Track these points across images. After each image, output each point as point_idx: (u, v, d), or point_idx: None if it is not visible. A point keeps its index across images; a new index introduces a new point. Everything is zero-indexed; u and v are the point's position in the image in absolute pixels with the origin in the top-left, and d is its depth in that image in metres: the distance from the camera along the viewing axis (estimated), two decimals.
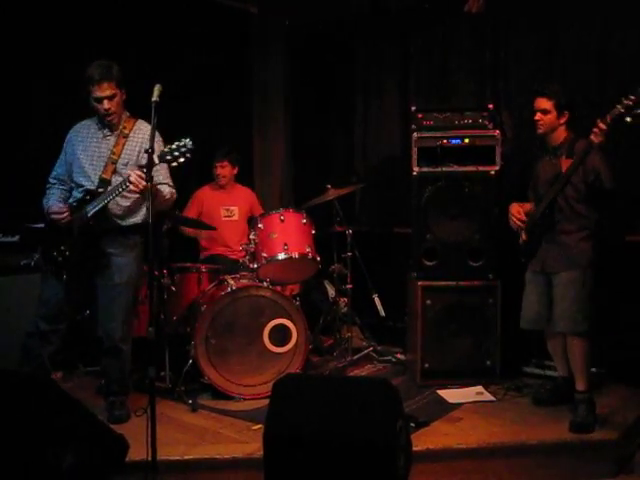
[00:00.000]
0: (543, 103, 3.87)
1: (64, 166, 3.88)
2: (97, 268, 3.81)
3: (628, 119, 3.44)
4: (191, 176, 4.99)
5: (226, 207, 5.19)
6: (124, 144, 3.79)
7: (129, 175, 3.54)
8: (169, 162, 3.38)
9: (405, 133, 5.15)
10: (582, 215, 3.85)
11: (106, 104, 3.71)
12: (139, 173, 3.50)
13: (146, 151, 3.13)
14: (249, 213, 5.25)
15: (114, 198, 3.68)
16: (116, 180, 3.70)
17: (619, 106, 3.45)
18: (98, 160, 3.78)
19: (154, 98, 3.35)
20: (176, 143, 3.34)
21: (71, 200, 3.83)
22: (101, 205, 3.68)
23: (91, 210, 3.70)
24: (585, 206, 3.84)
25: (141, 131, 3.83)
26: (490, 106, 4.49)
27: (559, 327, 3.89)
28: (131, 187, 3.54)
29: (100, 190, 3.72)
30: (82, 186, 3.78)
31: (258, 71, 6.18)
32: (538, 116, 3.89)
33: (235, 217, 5.22)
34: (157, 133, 3.69)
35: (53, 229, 3.78)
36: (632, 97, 3.42)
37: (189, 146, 3.32)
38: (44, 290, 3.81)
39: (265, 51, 6.16)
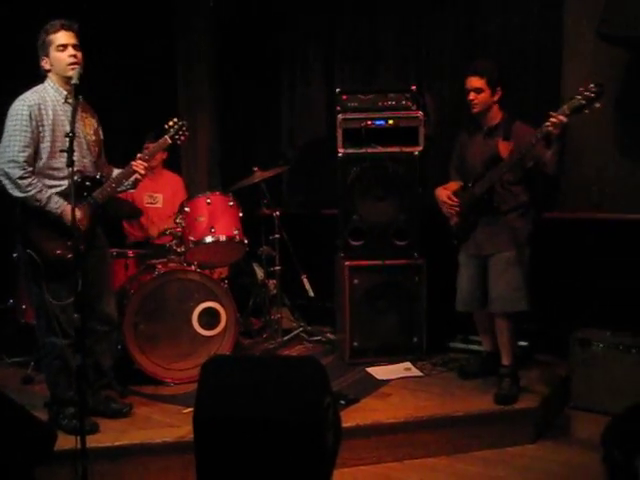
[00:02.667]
0: (475, 82, 3.84)
1: (31, 147, 3.36)
2: (99, 256, 3.65)
3: (587, 111, 3.38)
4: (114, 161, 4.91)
5: (149, 194, 5.10)
6: (85, 118, 3.59)
7: (135, 164, 3.58)
8: (175, 140, 3.70)
9: (330, 115, 5.17)
10: (517, 194, 3.88)
11: (72, 50, 3.40)
12: (142, 162, 3.61)
13: (67, 135, 3.00)
14: (174, 201, 5.16)
15: (123, 184, 3.64)
16: (90, 160, 3.57)
17: (579, 97, 3.37)
18: (77, 138, 3.29)
19: (74, 81, 3.29)
20: (175, 121, 3.71)
21: (61, 189, 3.42)
22: (109, 192, 3.56)
23: (102, 199, 3.53)
24: (520, 187, 3.88)
25: (89, 107, 3.67)
26: (413, 87, 4.54)
27: (497, 308, 3.92)
28: (137, 176, 3.63)
29: (97, 176, 3.57)
30: (58, 169, 3.41)
31: (182, 51, 6.10)
32: (472, 95, 3.86)
33: (159, 204, 5.14)
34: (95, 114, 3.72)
35: (50, 227, 3.40)
36: (593, 89, 3.34)
37: (186, 125, 3.74)
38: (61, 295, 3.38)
39: (189, 29, 6.07)
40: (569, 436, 3.91)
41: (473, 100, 3.87)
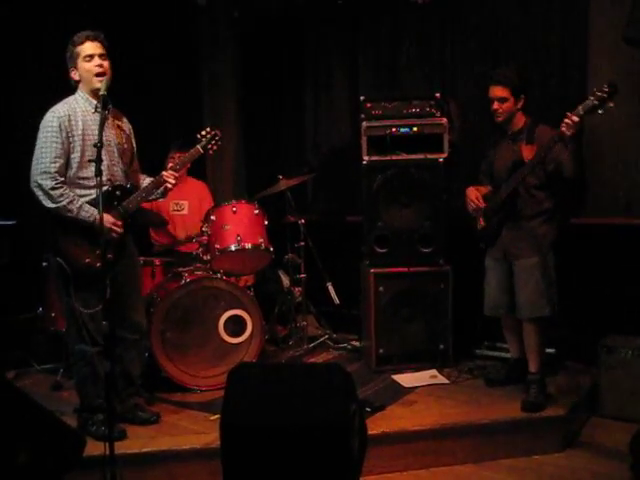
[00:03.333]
0: (499, 91, 3.83)
1: (63, 158, 3.43)
2: (128, 265, 3.69)
3: (600, 111, 3.39)
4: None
5: (175, 201, 5.12)
6: (117, 127, 3.64)
7: (166, 174, 3.63)
8: (207, 150, 3.72)
9: (355, 122, 5.19)
10: (541, 200, 3.87)
11: (98, 60, 3.45)
12: (173, 172, 3.65)
13: (95, 145, 3.02)
14: (200, 207, 5.21)
15: (153, 194, 3.69)
16: (121, 169, 3.60)
17: (592, 98, 3.39)
18: (107, 147, 3.50)
19: (102, 92, 3.34)
20: (208, 131, 3.72)
21: (91, 198, 3.45)
22: (139, 201, 3.60)
23: (132, 208, 3.56)
24: (544, 192, 3.87)
25: (121, 116, 3.72)
26: (437, 95, 4.54)
27: (523, 314, 3.91)
28: (168, 185, 3.67)
29: (127, 185, 3.60)
30: (88, 178, 3.44)
31: (208, 62, 6.14)
32: (496, 105, 3.85)
33: (184, 211, 5.17)
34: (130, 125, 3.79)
35: (80, 236, 3.44)
36: (605, 89, 3.35)
37: (219, 135, 3.74)
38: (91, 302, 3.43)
39: (215, 42, 6.11)
40: (597, 444, 3.86)
41: (497, 110, 3.87)
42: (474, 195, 4.06)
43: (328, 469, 2.53)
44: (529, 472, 3.56)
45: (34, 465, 2.58)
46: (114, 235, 3.48)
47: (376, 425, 3.60)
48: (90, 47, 3.47)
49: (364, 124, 4.51)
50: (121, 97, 3.58)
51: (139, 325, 3.75)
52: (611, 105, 3.38)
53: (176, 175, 3.67)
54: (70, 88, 3.59)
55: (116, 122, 3.64)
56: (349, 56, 5.70)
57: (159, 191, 3.74)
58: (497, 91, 3.85)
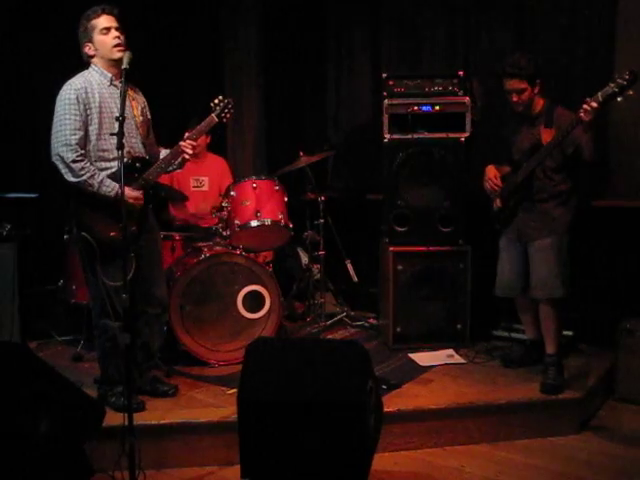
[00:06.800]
0: (516, 84, 3.79)
1: (82, 130, 3.44)
2: (150, 240, 3.70)
3: (619, 99, 3.39)
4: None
5: (196, 177, 5.12)
6: (132, 99, 3.62)
7: (184, 144, 3.60)
8: (221, 119, 3.65)
9: (376, 100, 5.16)
10: (558, 183, 3.86)
11: (115, 32, 3.45)
12: (190, 142, 3.61)
13: (117, 119, 3.03)
14: (220, 183, 5.23)
15: (171, 165, 3.67)
16: (139, 141, 3.62)
17: (612, 85, 3.38)
18: (125, 120, 3.45)
19: (124, 65, 3.32)
20: (220, 99, 3.66)
21: (111, 171, 3.45)
22: (159, 173, 3.60)
23: (152, 179, 3.58)
24: (561, 174, 3.86)
25: (135, 88, 3.72)
26: (460, 73, 4.50)
27: (537, 294, 3.91)
28: (185, 156, 3.64)
29: (146, 157, 3.62)
30: (107, 150, 3.46)
31: (229, 35, 6.13)
32: (515, 97, 3.82)
33: (205, 187, 5.17)
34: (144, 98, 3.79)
35: (104, 209, 3.44)
36: (626, 76, 3.34)
37: (232, 103, 3.67)
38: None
39: (237, 16, 6.08)
40: (613, 427, 3.86)
41: (517, 101, 3.85)
42: (493, 174, 4.06)
43: (344, 445, 2.55)
44: (544, 453, 3.57)
45: (55, 434, 2.63)
46: (136, 207, 3.48)
47: (392, 403, 3.62)
48: (106, 20, 3.47)
49: (386, 101, 4.48)
50: (141, 72, 3.57)
51: (161, 300, 3.78)
52: (630, 93, 3.37)
53: (194, 144, 3.64)
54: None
55: (131, 94, 3.63)
56: (371, 32, 5.64)
57: (177, 162, 3.72)
58: (514, 84, 3.81)
